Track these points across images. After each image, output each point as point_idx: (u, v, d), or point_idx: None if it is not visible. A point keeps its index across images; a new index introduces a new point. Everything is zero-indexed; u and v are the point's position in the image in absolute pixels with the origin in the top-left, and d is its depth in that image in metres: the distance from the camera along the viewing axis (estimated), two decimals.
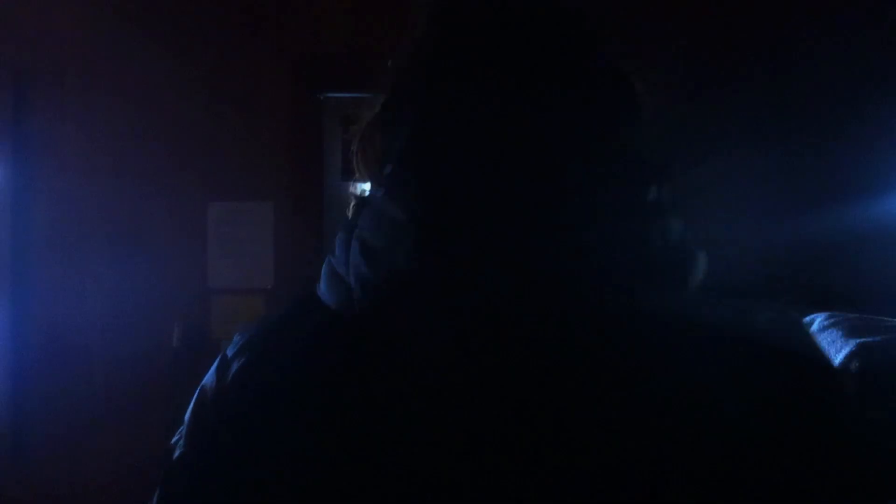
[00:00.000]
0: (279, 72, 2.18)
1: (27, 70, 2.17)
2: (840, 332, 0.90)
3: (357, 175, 0.60)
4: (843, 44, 2.23)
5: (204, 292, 2.17)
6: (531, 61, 0.51)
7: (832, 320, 0.95)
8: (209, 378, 0.54)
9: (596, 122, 0.50)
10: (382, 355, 0.48)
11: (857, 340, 0.85)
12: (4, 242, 2.13)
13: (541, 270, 0.45)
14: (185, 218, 2.17)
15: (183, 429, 0.54)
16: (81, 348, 2.15)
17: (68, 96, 2.17)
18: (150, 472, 2.27)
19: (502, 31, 0.52)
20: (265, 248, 2.19)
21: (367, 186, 0.60)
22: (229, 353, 0.54)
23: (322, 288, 0.53)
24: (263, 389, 0.50)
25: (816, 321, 0.97)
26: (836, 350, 0.87)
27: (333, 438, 0.47)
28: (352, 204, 0.56)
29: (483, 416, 0.45)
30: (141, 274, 2.16)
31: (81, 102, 2.17)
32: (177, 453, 0.53)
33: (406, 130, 0.51)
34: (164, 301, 2.16)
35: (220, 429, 0.50)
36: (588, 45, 0.53)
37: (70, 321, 2.15)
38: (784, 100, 2.23)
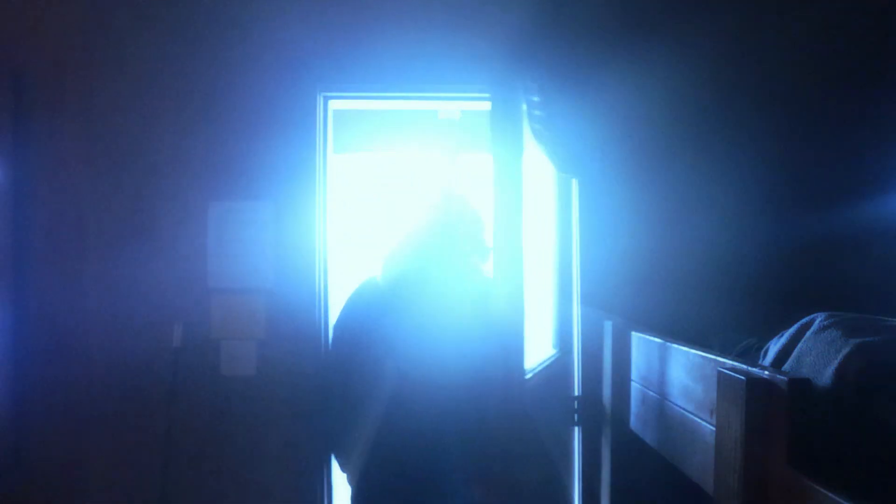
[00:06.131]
0: (279, 72, 2.18)
1: (27, 70, 2.17)
2: (840, 332, 0.90)
3: None
4: (845, 43, 2.23)
5: (204, 292, 2.18)
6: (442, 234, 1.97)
7: (832, 320, 0.95)
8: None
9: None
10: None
11: (857, 340, 0.85)
12: (4, 242, 2.13)
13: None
14: (186, 218, 2.17)
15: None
16: (81, 348, 2.15)
17: (68, 96, 2.17)
18: (149, 472, 2.27)
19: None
20: (265, 248, 2.19)
21: None
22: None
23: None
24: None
25: (816, 321, 0.97)
26: (836, 350, 0.86)
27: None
28: None
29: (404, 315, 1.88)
30: (141, 274, 2.16)
31: (81, 102, 2.17)
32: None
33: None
34: (164, 301, 2.16)
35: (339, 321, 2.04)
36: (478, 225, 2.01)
37: (70, 321, 2.16)
38: (784, 100, 2.23)
